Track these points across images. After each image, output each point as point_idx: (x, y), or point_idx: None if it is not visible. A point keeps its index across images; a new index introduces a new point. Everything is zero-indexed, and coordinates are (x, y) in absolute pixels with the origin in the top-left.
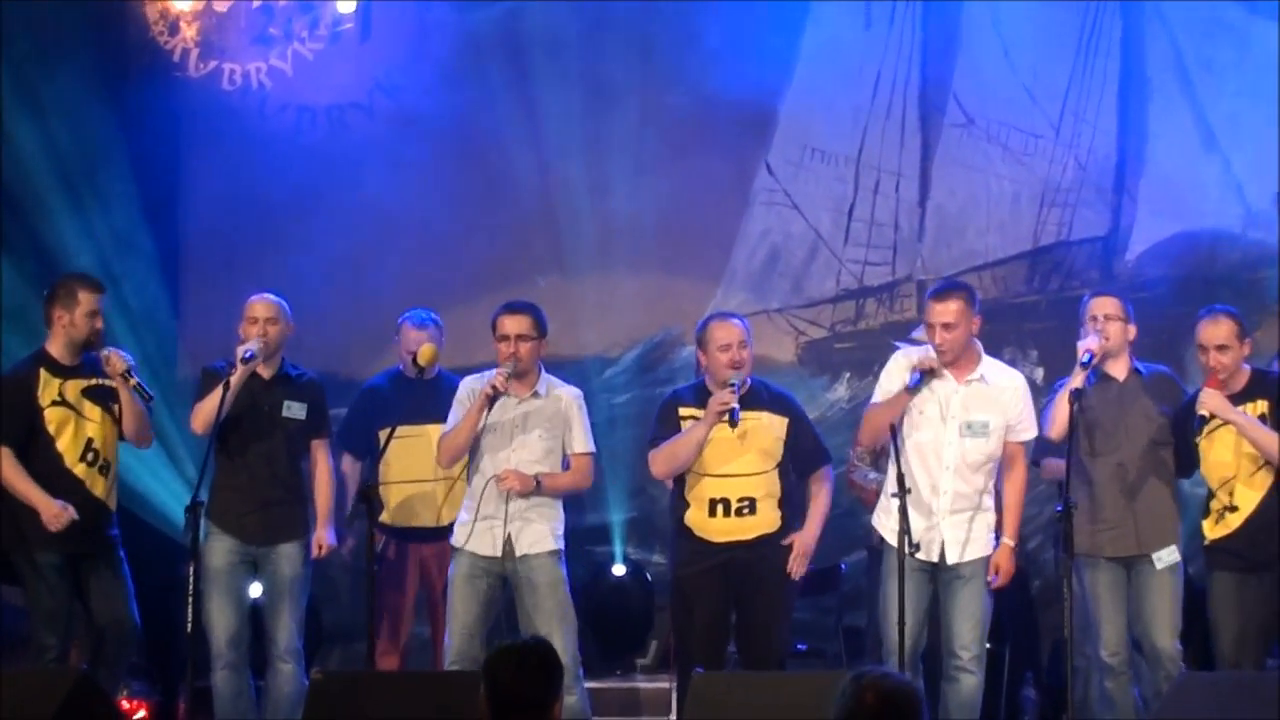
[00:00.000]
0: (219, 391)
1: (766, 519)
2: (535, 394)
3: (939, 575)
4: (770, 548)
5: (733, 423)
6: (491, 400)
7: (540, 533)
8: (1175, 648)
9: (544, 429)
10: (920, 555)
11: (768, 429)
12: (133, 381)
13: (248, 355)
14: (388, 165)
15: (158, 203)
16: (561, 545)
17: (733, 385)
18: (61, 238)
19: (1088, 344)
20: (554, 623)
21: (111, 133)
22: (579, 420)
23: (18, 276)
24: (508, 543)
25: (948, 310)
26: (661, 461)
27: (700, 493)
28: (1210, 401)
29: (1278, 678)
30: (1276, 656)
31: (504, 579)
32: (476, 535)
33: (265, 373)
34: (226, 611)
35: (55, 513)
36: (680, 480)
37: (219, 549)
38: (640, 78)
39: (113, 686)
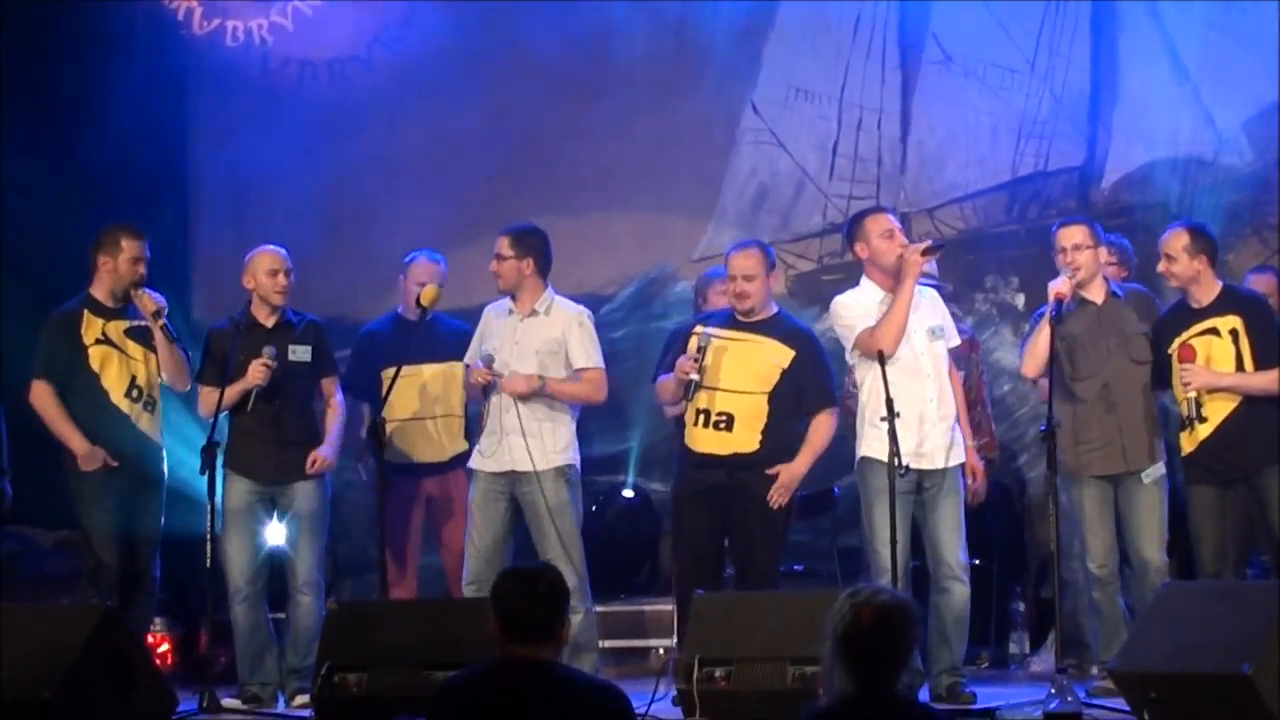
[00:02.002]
0: (228, 393)
1: (741, 439)
2: (534, 312)
3: (922, 488)
4: (748, 474)
5: (687, 395)
6: (486, 388)
7: (546, 450)
8: (1162, 560)
9: (542, 345)
10: (916, 466)
11: (766, 355)
12: (160, 322)
13: (272, 355)
14: (388, 116)
15: (166, 158)
16: (571, 460)
17: (697, 354)
18: (72, 189)
19: (1056, 288)
20: (560, 547)
21: (118, 90)
22: (578, 336)
23: (28, 230)
24: (513, 459)
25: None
26: (658, 392)
27: (695, 404)
28: (1196, 378)
29: (1255, 586)
30: (1254, 566)
31: (517, 501)
32: (487, 453)
33: (268, 321)
34: (243, 550)
35: (87, 453)
36: None
37: (236, 491)
38: (630, 22)
39: (143, 622)
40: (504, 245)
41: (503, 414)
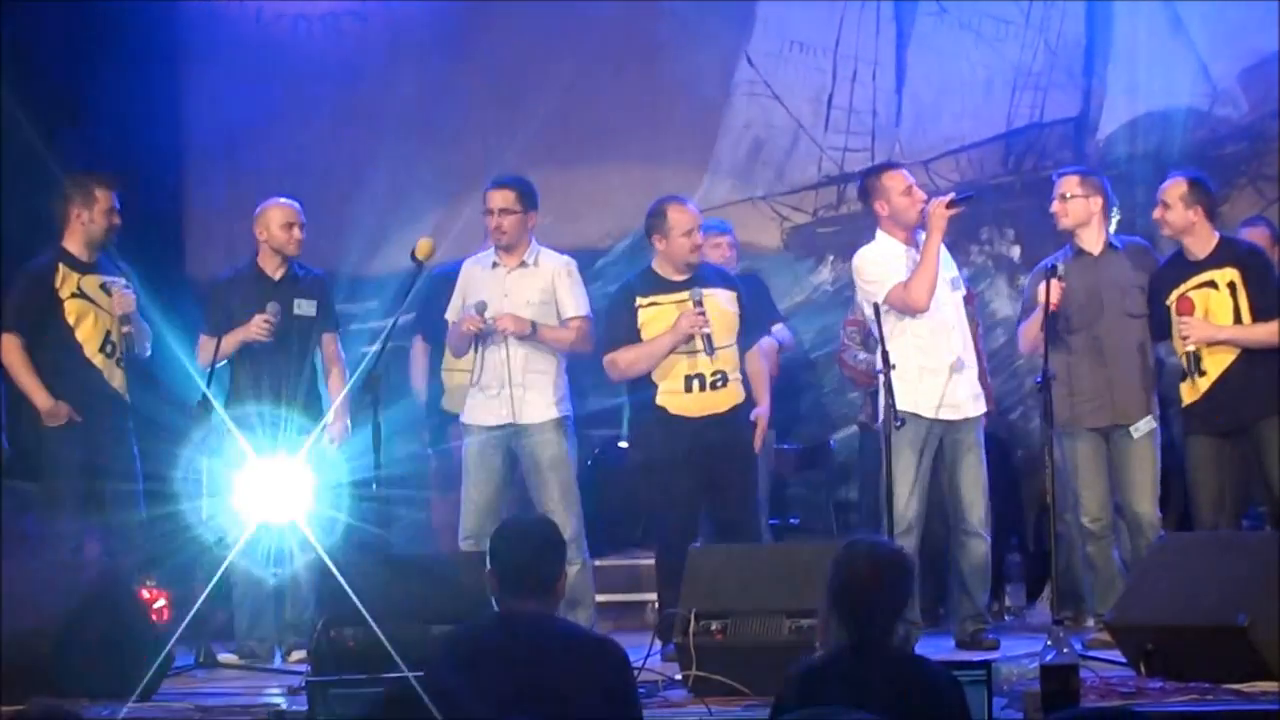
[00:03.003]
0: (225, 344)
1: (735, 392)
2: (523, 264)
3: (945, 440)
4: (737, 425)
5: (709, 348)
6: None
7: (541, 401)
8: (1154, 514)
9: (531, 296)
10: (946, 417)
11: (723, 304)
12: (126, 329)
13: (276, 312)
14: (381, 70)
15: (159, 112)
16: (566, 412)
17: (699, 306)
18: (64, 146)
19: (1053, 301)
20: (557, 500)
21: (110, 44)
22: (566, 285)
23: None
24: (507, 412)
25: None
26: (623, 366)
27: (674, 371)
28: (1194, 332)
29: (1251, 537)
30: (1251, 517)
31: (514, 455)
32: (481, 406)
33: (275, 274)
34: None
35: (50, 408)
36: None
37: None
38: None
39: (131, 577)
40: (510, 199)
41: (499, 367)
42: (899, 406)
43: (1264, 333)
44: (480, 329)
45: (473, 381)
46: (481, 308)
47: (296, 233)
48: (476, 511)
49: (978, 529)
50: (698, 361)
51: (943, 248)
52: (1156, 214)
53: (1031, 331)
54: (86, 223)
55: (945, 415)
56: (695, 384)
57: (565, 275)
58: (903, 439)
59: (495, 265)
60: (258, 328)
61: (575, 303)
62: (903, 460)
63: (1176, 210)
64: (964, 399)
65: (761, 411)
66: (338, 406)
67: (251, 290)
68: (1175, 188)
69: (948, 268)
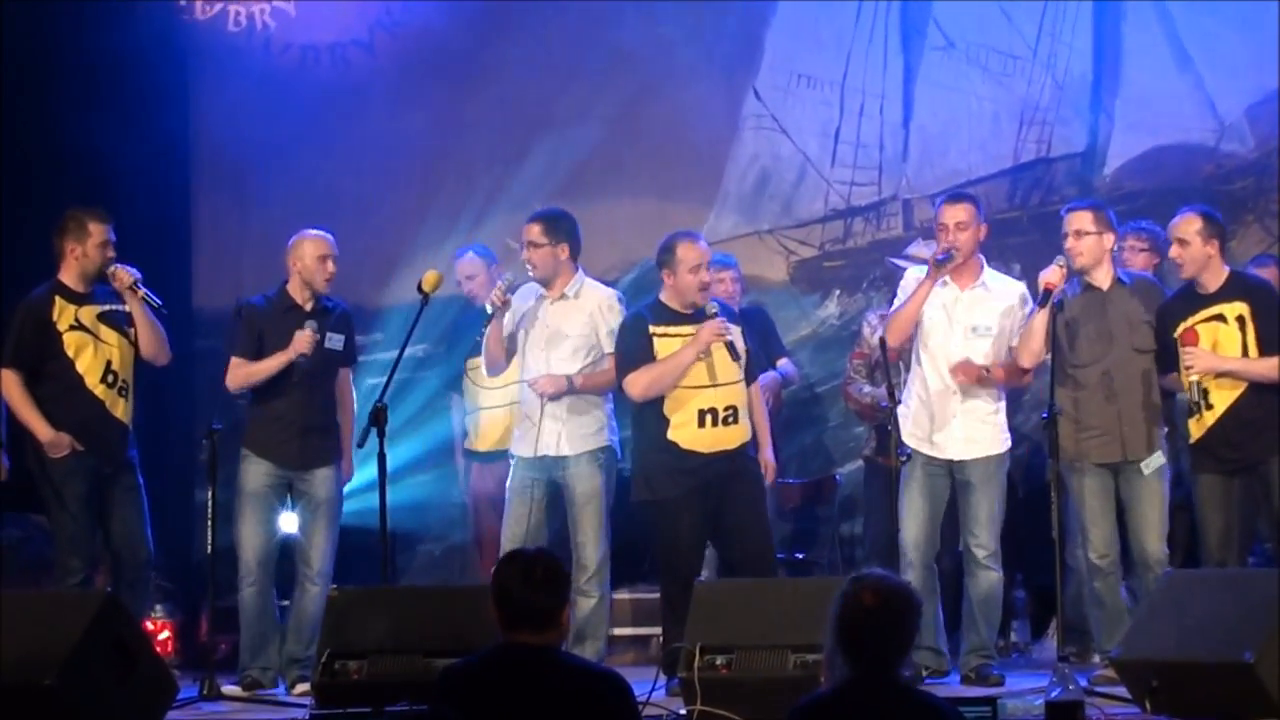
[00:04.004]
0: (265, 365)
1: (745, 428)
2: (564, 296)
3: (955, 476)
4: (745, 457)
5: (735, 354)
6: (497, 311)
7: (578, 433)
8: (1162, 551)
9: (574, 329)
10: (936, 456)
11: (736, 338)
12: (140, 292)
13: (315, 329)
14: (390, 101)
15: (168, 143)
16: (606, 442)
17: (718, 313)
18: (73, 177)
19: (1046, 278)
20: (589, 533)
21: (120, 77)
22: (610, 319)
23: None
24: (547, 444)
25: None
26: (644, 385)
27: (688, 406)
28: (1199, 362)
29: (1257, 574)
30: (1256, 554)
31: (556, 485)
32: (521, 438)
33: (306, 304)
34: (258, 533)
35: (51, 439)
36: (657, 398)
37: (255, 473)
38: (635, 11)
39: (136, 609)
40: (535, 232)
41: (535, 403)
42: (905, 442)
43: (1268, 366)
44: (504, 301)
45: (520, 415)
46: (509, 285)
47: (330, 265)
48: (514, 543)
49: (983, 561)
50: (711, 395)
51: (983, 291)
52: (1174, 252)
53: (1031, 341)
54: (80, 256)
55: (953, 454)
56: (709, 419)
57: (608, 310)
58: (909, 475)
59: (541, 296)
60: (303, 341)
61: (613, 338)
62: (907, 495)
63: (1195, 246)
64: (954, 440)
65: (767, 459)
66: (349, 444)
67: (284, 318)
68: (1190, 223)
69: (980, 315)
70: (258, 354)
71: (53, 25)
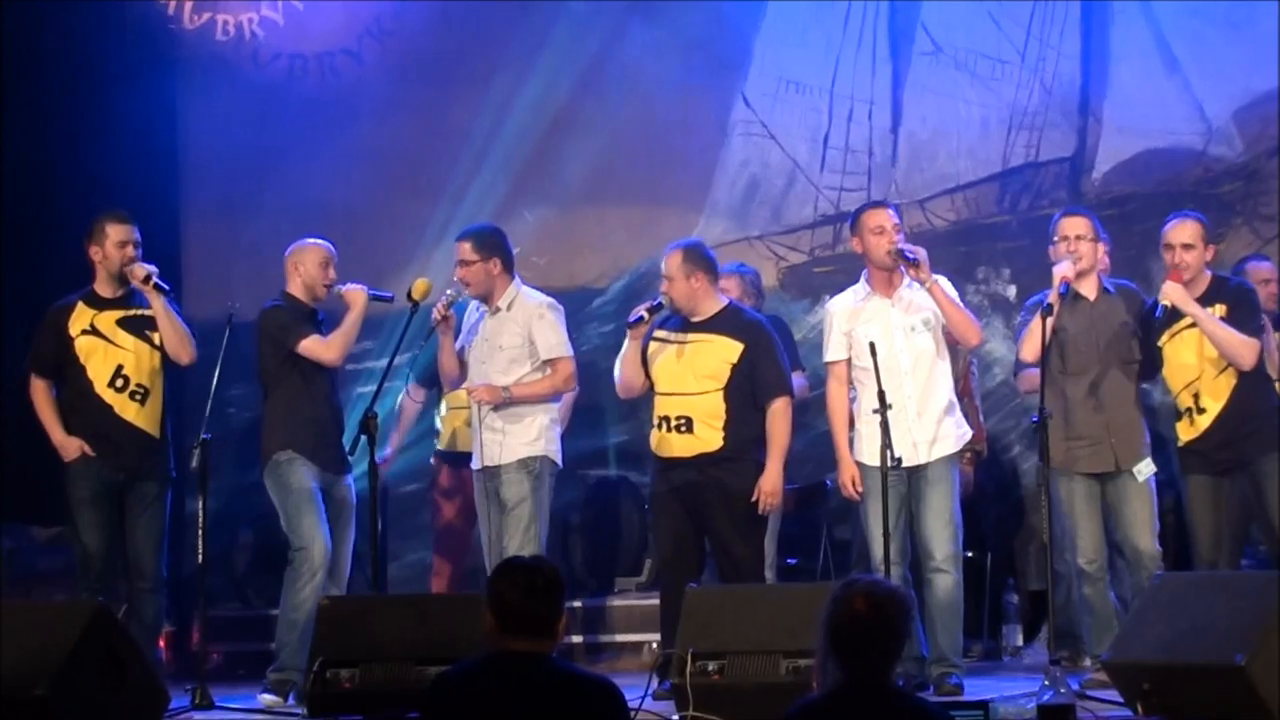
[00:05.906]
0: (349, 326)
1: (704, 440)
2: (498, 309)
3: (910, 481)
4: (718, 469)
5: (630, 324)
6: (439, 325)
7: (509, 442)
8: (1155, 548)
9: (508, 341)
10: (906, 462)
11: (715, 352)
12: (153, 282)
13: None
14: (378, 110)
15: (156, 152)
16: (541, 451)
17: (652, 301)
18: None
19: (1063, 271)
20: (517, 540)
21: (108, 86)
22: (541, 327)
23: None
24: (490, 455)
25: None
26: (618, 386)
27: (657, 410)
28: (1172, 292)
29: (1249, 576)
30: (1248, 556)
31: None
32: (474, 450)
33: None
34: (322, 527)
35: (62, 443)
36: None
37: (305, 472)
38: (624, 18)
39: (146, 622)
40: (466, 250)
41: (479, 409)
42: (858, 458)
43: (1237, 339)
44: (445, 315)
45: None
46: (453, 295)
47: (331, 272)
48: (486, 549)
49: (940, 564)
50: (669, 402)
51: (907, 293)
52: (1177, 258)
53: (1037, 335)
54: (101, 259)
55: (915, 459)
56: (664, 425)
57: (539, 318)
58: (866, 487)
59: (480, 310)
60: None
61: (550, 344)
62: (869, 505)
63: (1198, 250)
64: (919, 443)
65: (762, 483)
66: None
67: (310, 326)
68: (1190, 229)
69: (915, 311)
70: (317, 329)
71: (40, 35)
